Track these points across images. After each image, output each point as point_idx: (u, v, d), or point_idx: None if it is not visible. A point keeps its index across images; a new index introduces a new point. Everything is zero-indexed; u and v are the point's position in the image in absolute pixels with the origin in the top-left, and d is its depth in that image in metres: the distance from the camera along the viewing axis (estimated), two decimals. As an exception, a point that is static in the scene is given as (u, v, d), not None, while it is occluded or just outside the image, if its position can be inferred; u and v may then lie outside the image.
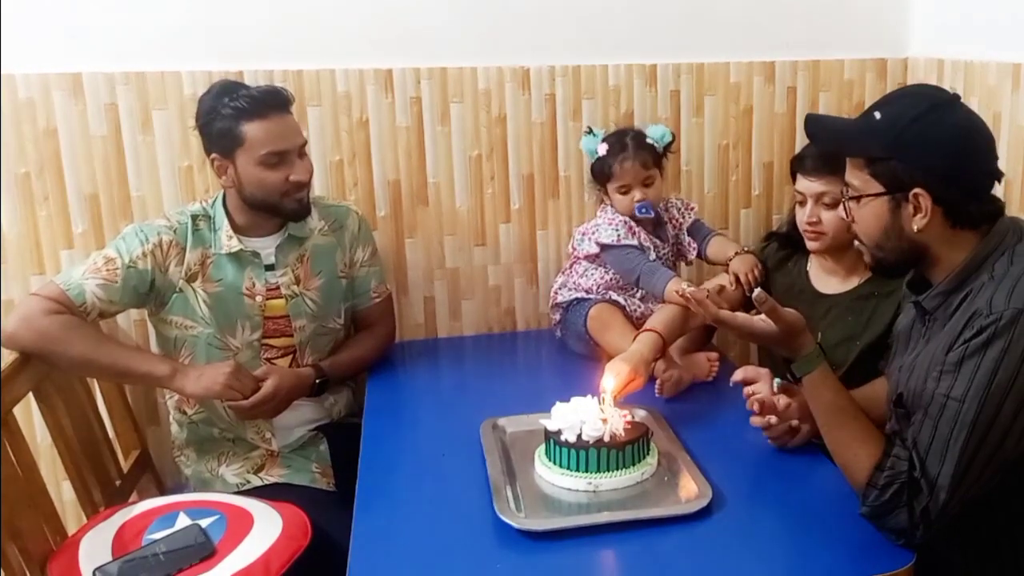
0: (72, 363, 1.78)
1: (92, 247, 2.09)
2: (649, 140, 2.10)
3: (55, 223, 2.09)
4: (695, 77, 2.35)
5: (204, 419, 1.96)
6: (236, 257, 1.89)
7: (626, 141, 2.10)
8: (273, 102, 1.83)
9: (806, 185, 1.87)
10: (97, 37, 2.04)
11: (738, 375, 1.70)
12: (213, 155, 1.84)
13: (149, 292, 1.85)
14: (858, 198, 1.40)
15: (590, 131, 2.16)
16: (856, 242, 1.47)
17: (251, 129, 1.80)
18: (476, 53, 2.23)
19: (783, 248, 2.06)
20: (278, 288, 1.94)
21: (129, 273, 1.81)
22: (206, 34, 2.08)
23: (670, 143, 2.14)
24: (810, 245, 1.91)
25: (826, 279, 1.96)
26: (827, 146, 1.59)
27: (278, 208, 1.88)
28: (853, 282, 1.91)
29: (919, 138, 1.32)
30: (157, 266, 1.83)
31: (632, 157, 2.08)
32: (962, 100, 1.37)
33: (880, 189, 1.37)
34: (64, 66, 2.03)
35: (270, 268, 1.93)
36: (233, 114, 1.79)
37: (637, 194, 2.09)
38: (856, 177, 1.40)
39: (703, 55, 2.35)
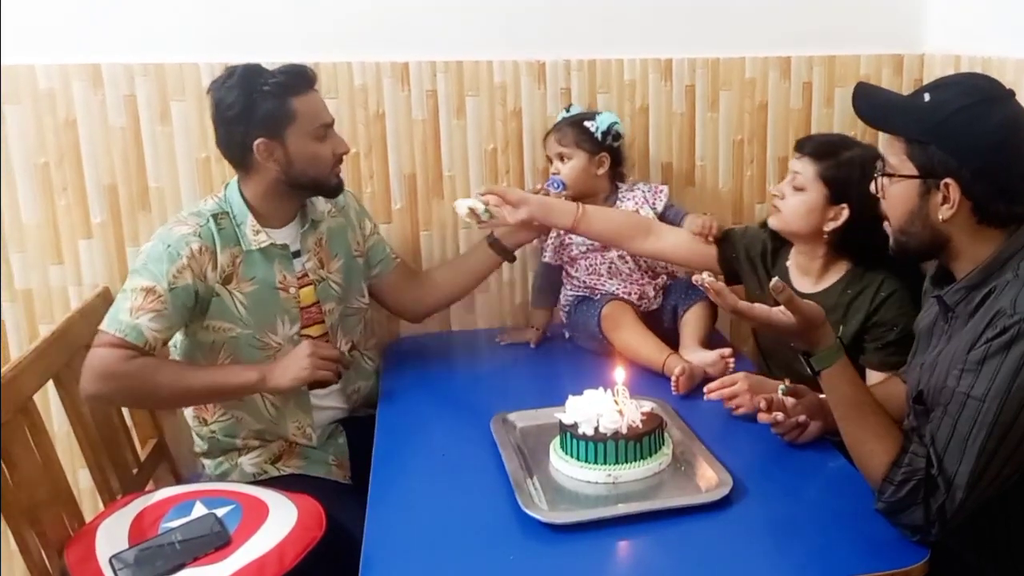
0: (166, 401, 1.80)
1: (110, 237, 2.12)
2: (586, 123, 2.12)
3: (74, 213, 2.11)
4: (710, 72, 2.34)
5: (226, 428, 1.91)
6: (264, 252, 1.85)
7: (561, 117, 2.18)
8: (309, 78, 1.83)
9: (792, 162, 1.89)
10: (116, 28, 2.06)
11: (714, 395, 1.74)
12: (259, 140, 1.77)
13: (195, 304, 1.79)
14: (891, 176, 1.39)
15: (568, 108, 2.20)
16: (883, 223, 1.46)
17: (300, 104, 1.78)
18: (492, 47, 2.23)
19: (775, 239, 2.01)
20: (306, 275, 1.92)
21: (175, 295, 1.74)
22: (224, 26, 2.09)
23: (609, 132, 2.13)
24: (770, 221, 1.91)
25: (801, 279, 1.93)
26: (870, 118, 1.52)
27: (324, 184, 1.87)
28: (825, 283, 1.88)
29: (961, 129, 1.31)
30: (196, 277, 1.77)
31: (552, 131, 2.17)
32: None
33: (913, 172, 1.36)
34: (84, 57, 2.05)
35: (296, 255, 1.92)
36: (278, 91, 1.76)
37: (552, 167, 2.15)
38: (893, 154, 1.39)
39: (718, 50, 2.34)
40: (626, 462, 1.51)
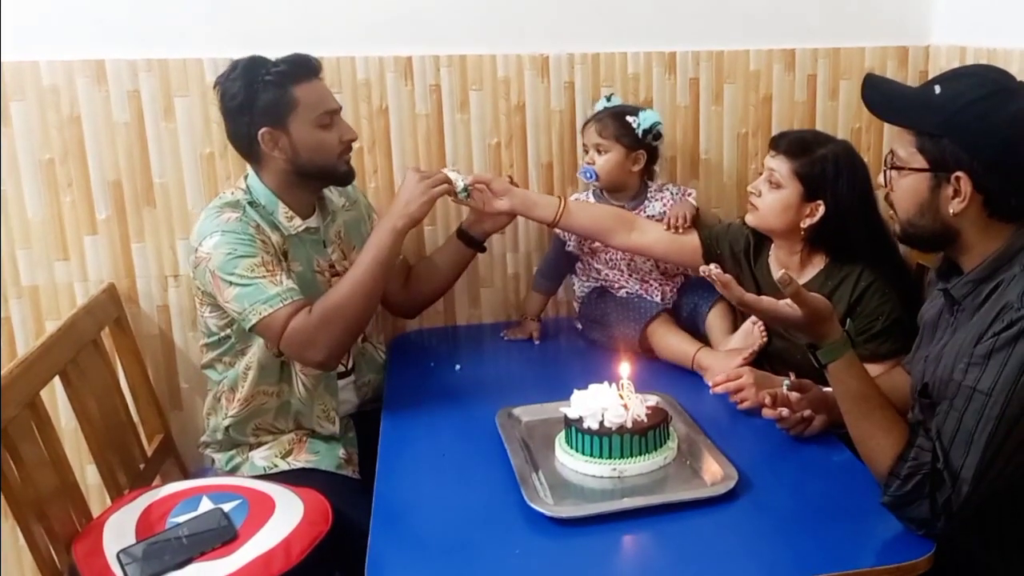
0: (361, 311, 1.78)
1: (115, 233, 2.13)
2: (628, 118, 2.09)
3: (79, 209, 2.11)
4: (714, 65, 2.34)
5: (237, 424, 1.90)
6: (300, 238, 1.88)
7: (601, 108, 2.14)
8: (312, 66, 1.83)
9: (767, 159, 1.89)
10: (120, 24, 2.05)
11: (719, 389, 1.76)
12: (263, 129, 1.78)
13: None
14: (900, 168, 1.38)
15: (608, 98, 2.18)
16: (891, 213, 1.46)
17: (302, 91, 1.79)
18: (495, 41, 2.22)
19: (757, 234, 2.00)
20: (333, 265, 1.94)
21: (276, 257, 1.78)
22: (227, 21, 2.09)
23: (651, 131, 2.10)
24: (748, 217, 1.92)
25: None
26: (880, 111, 1.50)
27: (332, 172, 1.87)
28: (805, 277, 1.87)
29: (974, 122, 1.30)
30: (272, 244, 1.81)
31: (593, 120, 2.13)
32: None
33: (923, 165, 1.35)
34: (87, 53, 2.05)
35: (324, 245, 1.94)
36: (279, 80, 1.77)
37: (588, 157, 2.12)
38: (902, 147, 1.38)
39: (723, 43, 2.33)
40: (631, 456, 1.52)
